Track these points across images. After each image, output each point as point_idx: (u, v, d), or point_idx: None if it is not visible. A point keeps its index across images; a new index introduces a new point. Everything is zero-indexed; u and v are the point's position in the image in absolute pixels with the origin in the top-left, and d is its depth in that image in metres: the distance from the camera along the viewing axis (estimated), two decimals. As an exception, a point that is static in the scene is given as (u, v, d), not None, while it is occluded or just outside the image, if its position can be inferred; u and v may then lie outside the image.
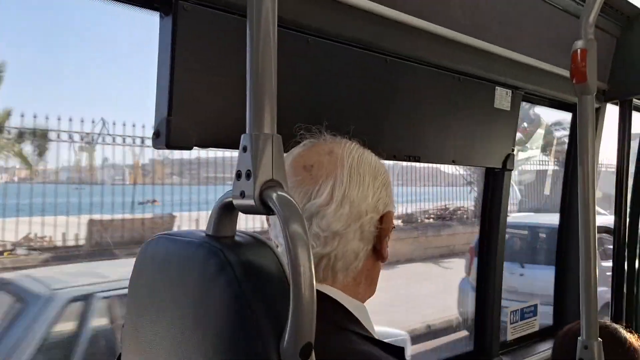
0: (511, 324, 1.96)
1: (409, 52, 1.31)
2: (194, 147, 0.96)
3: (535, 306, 2.09)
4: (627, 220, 2.12)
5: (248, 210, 0.57)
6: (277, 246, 0.73)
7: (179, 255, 0.66)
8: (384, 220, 0.85)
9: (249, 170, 0.55)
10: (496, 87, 1.61)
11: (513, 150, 1.72)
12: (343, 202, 0.79)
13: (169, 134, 0.91)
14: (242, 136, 0.56)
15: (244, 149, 0.56)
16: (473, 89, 1.54)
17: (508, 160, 1.70)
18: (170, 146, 0.92)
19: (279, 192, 0.54)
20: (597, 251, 1.15)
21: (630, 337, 1.34)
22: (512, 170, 1.73)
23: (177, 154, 10.65)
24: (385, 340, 0.78)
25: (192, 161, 8.63)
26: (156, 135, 0.93)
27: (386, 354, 0.74)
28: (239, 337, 0.55)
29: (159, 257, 0.70)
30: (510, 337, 1.95)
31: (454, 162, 1.51)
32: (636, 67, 1.92)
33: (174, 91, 0.92)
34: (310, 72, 1.14)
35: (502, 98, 1.64)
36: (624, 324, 2.02)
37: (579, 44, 1.10)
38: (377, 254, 0.86)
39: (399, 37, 1.26)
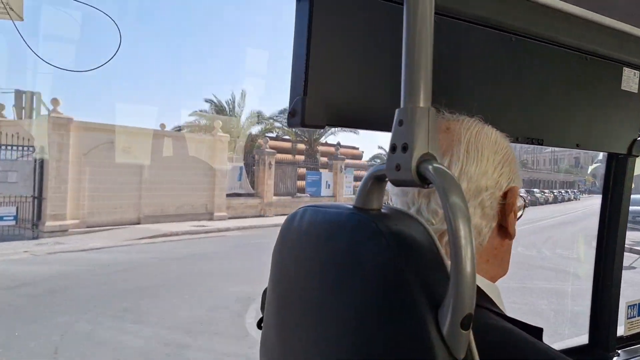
0: (628, 318, 1.85)
1: (535, 30, 1.26)
2: (326, 126, 0.99)
3: (655, 302, 1.96)
4: None
5: (403, 183, 0.58)
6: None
7: (326, 224, 0.67)
8: (508, 195, 0.82)
9: (405, 143, 0.55)
10: (624, 68, 1.52)
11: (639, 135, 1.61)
12: (460, 178, 0.79)
13: (304, 113, 0.94)
14: (397, 110, 0.57)
15: (400, 123, 0.57)
16: (599, 69, 1.46)
17: (634, 146, 1.60)
18: (305, 124, 0.95)
19: (435, 165, 0.54)
20: None
21: None
22: (638, 156, 1.63)
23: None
24: (522, 320, 0.75)
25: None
26: (292, 114, 0.97)
27: (525, 333, 0.71)
28: (391, 305, 0.54)
29: (305, 227, 0.72)
30: (627, 332, 1.84)
31: (577, 146, 1.44)
32: None
33: (309, 72, 0.94)
34: (439, 50, 1.13)
35: (630, 79, 1.54)
36: None
37: None
38: (504, 231, 0.83)
39: (525, 14, 1.22)
